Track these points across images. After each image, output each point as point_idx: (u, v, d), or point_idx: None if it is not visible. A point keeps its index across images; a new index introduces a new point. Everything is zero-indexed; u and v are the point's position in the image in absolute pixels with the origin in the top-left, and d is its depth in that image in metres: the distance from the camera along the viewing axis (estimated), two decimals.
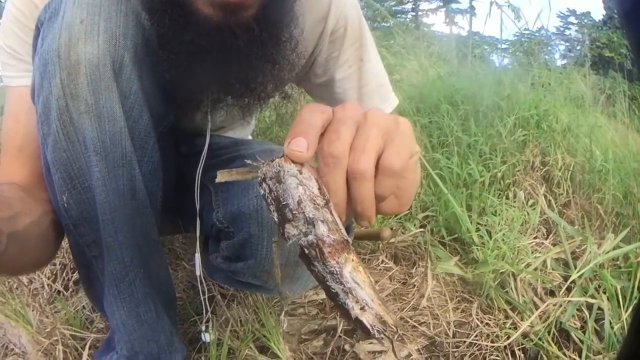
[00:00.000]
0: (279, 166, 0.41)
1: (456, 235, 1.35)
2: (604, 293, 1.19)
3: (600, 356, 1.06)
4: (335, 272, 0.39)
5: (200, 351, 0.98)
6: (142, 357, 0.76)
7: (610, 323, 1.09)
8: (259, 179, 0.42)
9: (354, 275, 0.39)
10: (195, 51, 0.63)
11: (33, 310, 1.11)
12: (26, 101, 0.68)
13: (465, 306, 1.15)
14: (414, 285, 1.20)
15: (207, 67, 0.65)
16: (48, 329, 1.04)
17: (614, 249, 1.33)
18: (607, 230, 1.51)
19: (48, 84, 0.60)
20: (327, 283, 0.39)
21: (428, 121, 1.92)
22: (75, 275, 1.25)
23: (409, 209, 1.42)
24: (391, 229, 1.25)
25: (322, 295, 1.14)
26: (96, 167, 0.63)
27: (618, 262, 1.35)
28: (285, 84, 0.81)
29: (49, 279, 1.25)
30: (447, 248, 1.33)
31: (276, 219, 0.41)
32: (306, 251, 0.40)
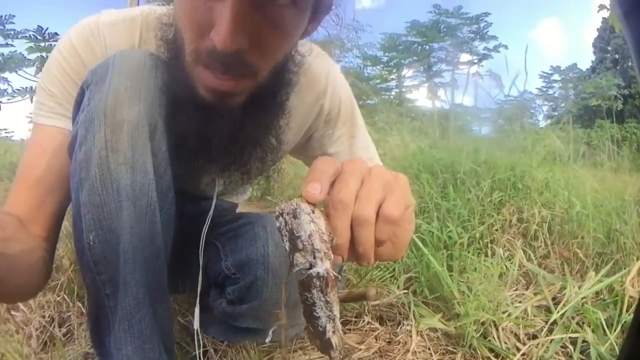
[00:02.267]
0: (296, 205, 0.49)
1: (438, 294, 1.43)
2: (588, 326, 1.27)
3: None
4: (329, 302, 0.49)
5: None
6: None
7: (597, 350, 1.15)
8: (277, 212, 0.51)
9: (336, 307, 0.50)
10: (194, 125, 0.77)
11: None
12: (54, 140, 0.82)
13: (450, 357, 1.22)
14: (399, 342, 1.27)
15: (206, 145, 0.79)
16: None
17: (598, 283, 1.41)
18: (588, 271, 1.56)
19: (92, 137, 0.70)
20: (315, 308, 0.50)
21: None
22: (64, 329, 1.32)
23: (391, 273, 1.53)
24: (376, 290, 1.35)
25: (314, 356, 1.21)
26: (126, 210, 0.71)
27: (601, 297, 1.44)
28: (271, 163, 0.94)
29: (37, 330, 1.30)
30: (430, 307, 1.41)
31: (287, 248, 0.50)
32: (313, 280, 0.49)
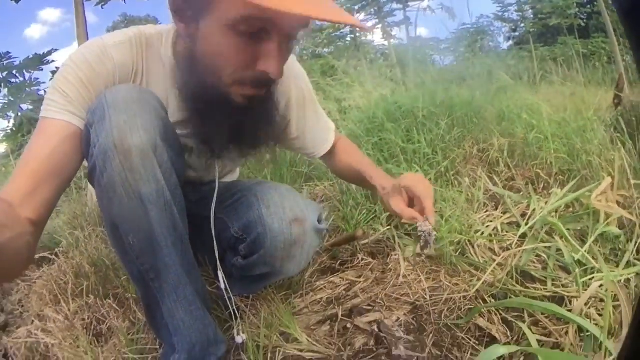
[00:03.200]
0: (426, 225, 1.15)
1: (414, 225, 1.58)
2: (560, 237, 1.37)
3: (565, 281, 1.25)
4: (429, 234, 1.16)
5: (233, 352, 1.19)
6: (198, 348, 1.03)
7: (573, 256, 1.27)
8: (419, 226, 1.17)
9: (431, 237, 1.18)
10: (220, 122, 0.98)
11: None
12: (61, 131, 0.94)
13: (435, 275, 1.38)
14: (391, 270, 1.43)
15: (226, 129, 0.99)
16: None
17: (564, 197, 1.53)
18: (553, 188, 1.68)
19: (110, 165, 0.86)
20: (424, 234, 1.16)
21: (378, 139, 2.17)
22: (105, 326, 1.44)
23: (373, 214, 1.68)
24: (363, 231, 1.50)
25: (321, 295, 1.40)
26: (151, 212, 0.90)
27: (572, 210, 1.55)
28: (272, 138, 1.13)
29: (83, 329, 1.42)
30: (412, 237, 1.56)
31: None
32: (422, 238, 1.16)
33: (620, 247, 1.34)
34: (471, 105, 2.40)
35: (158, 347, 1.24)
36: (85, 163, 0.98)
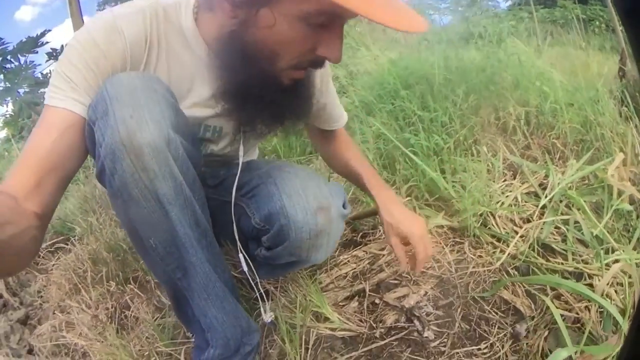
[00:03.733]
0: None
1: (437, 196, 1.57)
2: (578, 210, 1.38)
3: (586, 256, 1.25)
4: None
5: (267, 336, 1.21)
6: (232, 342, 1.01)
7: (591, 231, 1.28)
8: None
9: None
10: (264, 103, 0.93)
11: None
12: (63, 121, 0.85)
13: (459, 247, 1.38)
14: None
15: (268, 109, 0.95)
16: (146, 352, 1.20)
17: (580, 170, 1.52)
18: (569, 158, 1.67)
19: (120, 166, 0.79)
20: None
21: (392, 106, 2.13)
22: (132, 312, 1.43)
23: (394, 185, 1.67)
24: None
25: (346, 269, 1.39)
26: (171, 212, 0.85)
27: (587, 182, 1.54)
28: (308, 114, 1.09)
29: (109, 318, 1.42)
30: (433, 208, 1.54)
31: None
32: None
33: (632, 223, 1.34)
34: (485, 72, 2.36)
35: (190, 335, 1.23)
36: None
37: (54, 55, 4.55)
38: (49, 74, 4.63)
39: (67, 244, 1.92)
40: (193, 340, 1.09)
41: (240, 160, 1.11)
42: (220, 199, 1.15)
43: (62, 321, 1.42)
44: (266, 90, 0.90)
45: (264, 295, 1.14)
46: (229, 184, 1.13)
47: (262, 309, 1.14)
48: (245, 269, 1.10)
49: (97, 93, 0.84)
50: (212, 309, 0.97)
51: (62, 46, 4.52)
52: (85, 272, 1.60)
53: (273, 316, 1.14)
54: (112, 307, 1.45)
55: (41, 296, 1.69)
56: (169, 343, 1.21)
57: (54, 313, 1.52)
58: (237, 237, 1.10)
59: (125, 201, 0.84)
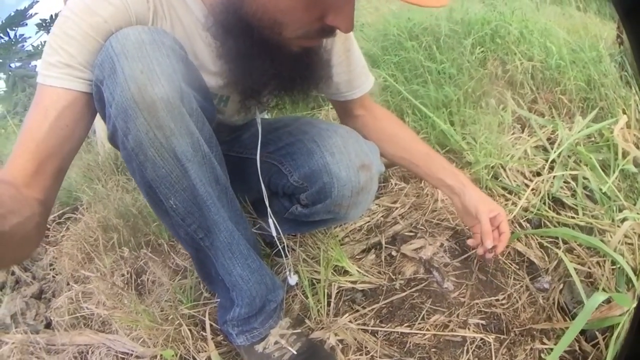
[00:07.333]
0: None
1: (448, 148, 1.55)
2: (586, 165, 1.40)
3: (596, 212, 1.26)
4: None
5: (288, 291, 1.19)
6: (258, 300, 0.99)
7: (600, 188, 1.29)
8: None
9: None
10: (271, 73, 0.87)
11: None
12: (59, 102, 0.80)
13: None
14: (427, 195, 1.41)
15: (276, 79, 0.89)
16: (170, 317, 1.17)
17: (586, 128, 1.52)
18: (575, 114, 1.68)
19: (134, 125, 0.75)
20: None
21: (397, 58, 2.08)
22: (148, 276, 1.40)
23: None
24: None
25: (360, 222, 1.38)
26: (190, 170, 0.82)
27: (592, 140, 1.54)
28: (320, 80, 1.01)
29: (125, 284, 1.39)
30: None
31: None
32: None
33: (637, 185, 1.35)
34: (490, 25, 2.31)
35: (209, 294, 1.21)
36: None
37: (44, 25, 4.46)
38: (40, 45, 4.50)
39: (76, 214, 1.88)
40: (217, 300, 1.07)
41: (259, 119, 1.07)
42: (237, 154, 1.12)
43: (78, 292, 1.39)
44: (272, 60, 0.84)
45: (287, 252, 1.12)
46: (245, 140, 1.10)
47: (286, 270, 1.13)
48: (274, 233, 1.08)
49: (101, 51, 0.79)
50: (237, 267, 0.95)
51: (52, 16, 4.40)
52: (97, 240, 1.55)
53: (297, 279, 1.14)
54: (127, 274, 1.41)
55: (53, 268, 1.65)
56: (190, 305, 1.18)
57: (68, 284, 1.48)
58: (265, 197, 1.07)
59: (141, 162, 0.79)
